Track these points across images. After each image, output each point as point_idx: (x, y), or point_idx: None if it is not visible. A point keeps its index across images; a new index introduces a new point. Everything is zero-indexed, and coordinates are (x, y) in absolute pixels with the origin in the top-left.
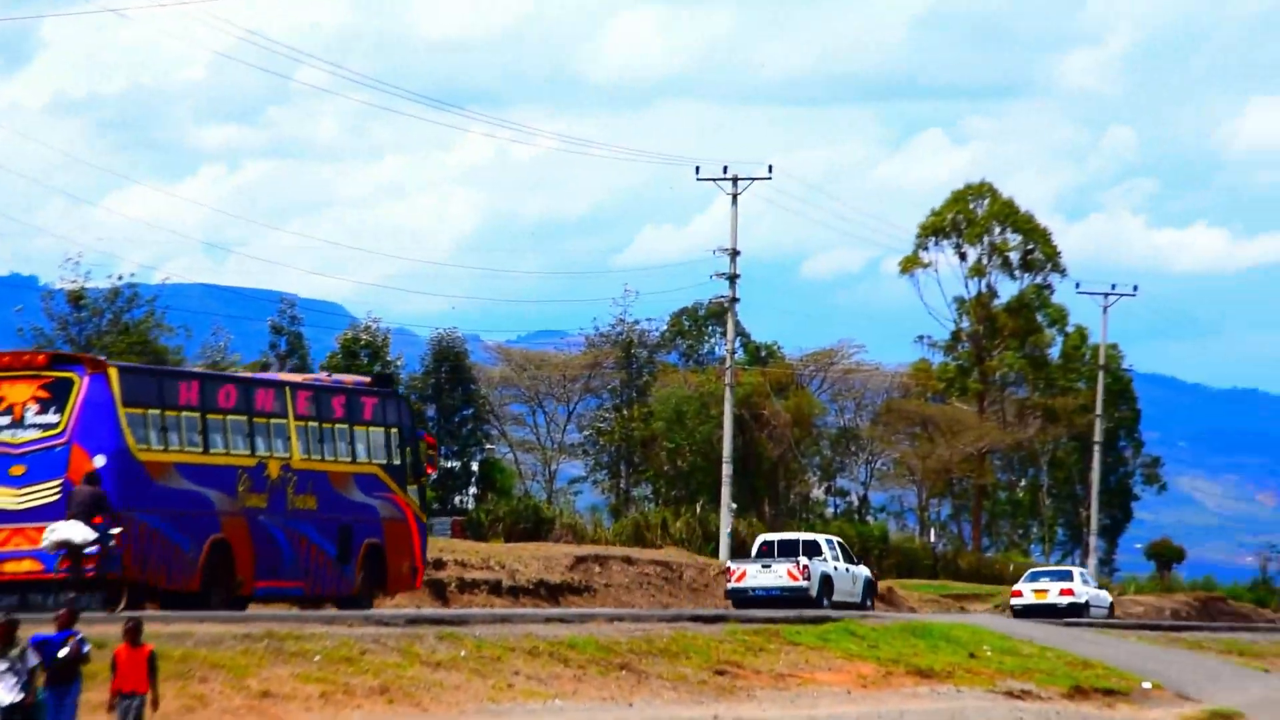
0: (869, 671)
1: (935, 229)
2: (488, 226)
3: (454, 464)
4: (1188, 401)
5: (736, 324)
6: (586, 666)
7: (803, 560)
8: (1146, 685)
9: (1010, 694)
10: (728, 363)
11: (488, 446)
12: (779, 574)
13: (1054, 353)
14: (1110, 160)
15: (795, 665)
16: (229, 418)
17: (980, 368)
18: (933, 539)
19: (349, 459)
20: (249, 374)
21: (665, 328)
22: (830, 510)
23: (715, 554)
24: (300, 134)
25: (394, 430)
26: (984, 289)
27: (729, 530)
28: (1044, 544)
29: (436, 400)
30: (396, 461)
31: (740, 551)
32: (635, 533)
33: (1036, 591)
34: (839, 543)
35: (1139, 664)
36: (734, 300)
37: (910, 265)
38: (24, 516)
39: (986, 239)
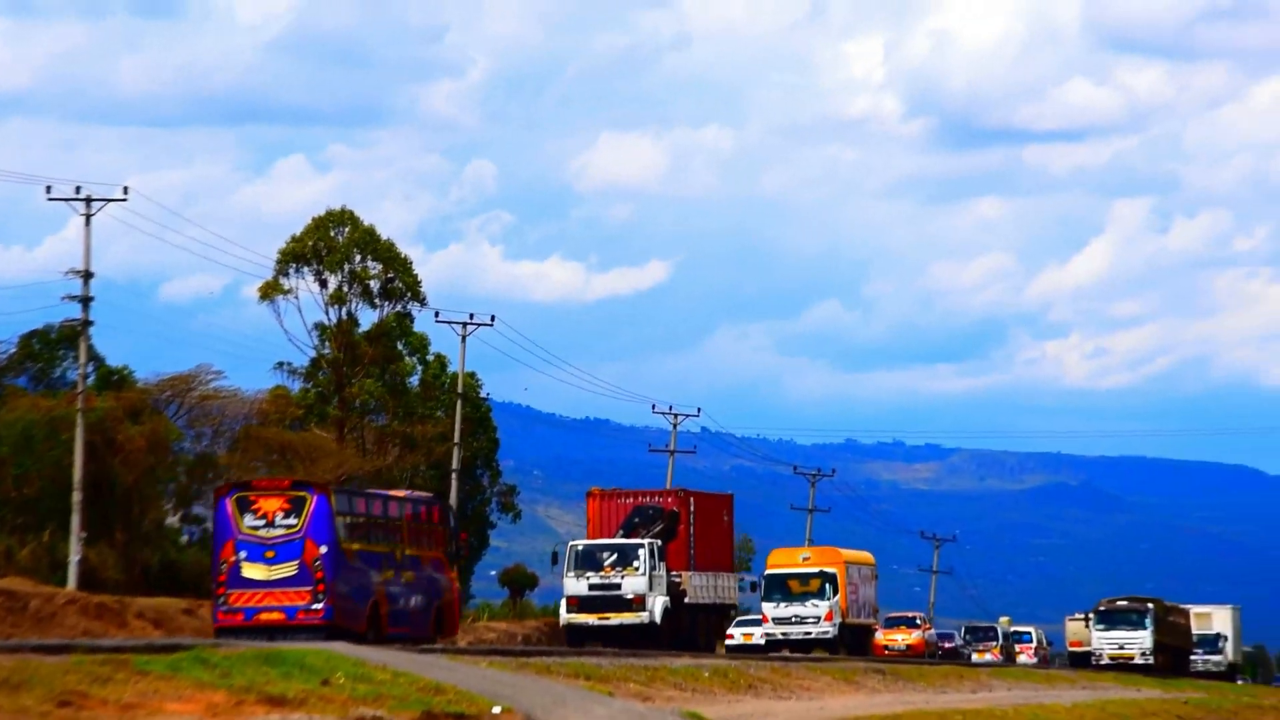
0: (220, 700)
1: (296, 255)
2: None
3: None
4: (543, 431)
5: (90, 348)
6: None
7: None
8: (497, 710)
9: (361, 719)
10: (80, 387)
11: None
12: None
13: (414, 381)
14: (471, 191)
15: (145, 695)
16: (379, 521)
17: (340, 395)
18: None
19: (429, 548)
20: (384, 491)
21: (14, 350)
22: (185, 538)
23: (64, 582)
24: None
25: (448, 529)
26: (345, 316)
27: (78, 558)
28: None
29: None
30: (450, 550)
31: (89, 580)
32: None
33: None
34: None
35: (490, 688)
36: (87, 323)
37: (270, 291)
38: (273, 585)
39: (347, 267)
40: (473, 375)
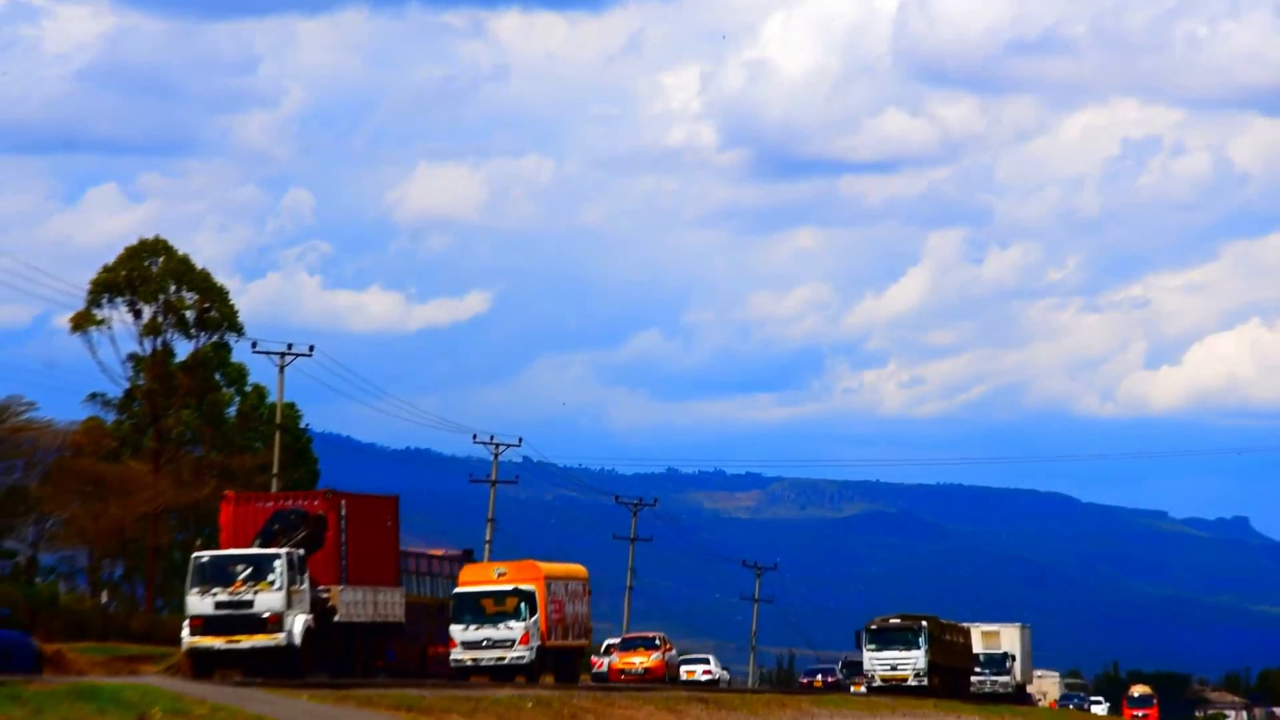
0: None
1: (109, 285)
2: None
3: None
4: (363, 462)
5: None
6: None
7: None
8: None
9: None
10: None
11: None
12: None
13: (232, 411)
14: (288, 221)
15: None
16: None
17: (156, 426)
18: (105, 600)
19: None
20: (424, 550)
21: None
22: None
23: None
24: None
25: None
26: (160, 347)
27: None
28: None
29: None
30: None
31: None
32: None
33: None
34: None
35: None
36: None
37: (83, 322)
38: None
39: (162, 297)
40: (292, 406)
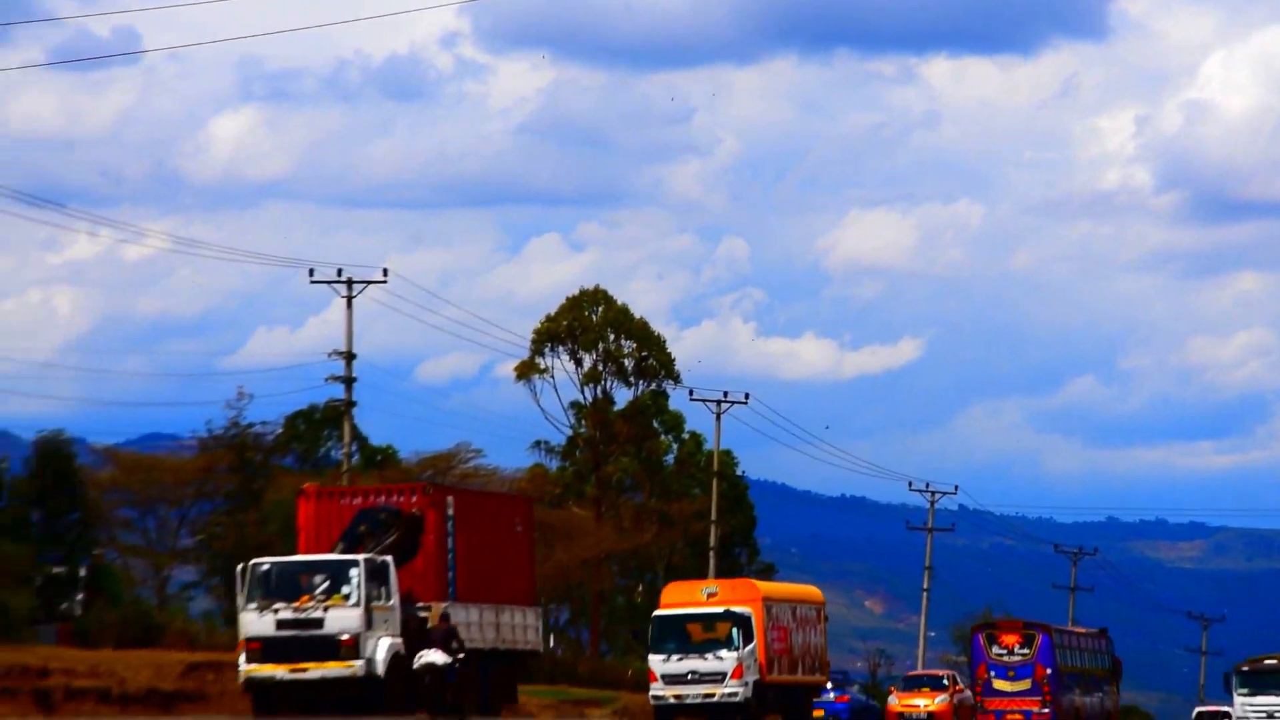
0: None
1: (551, 335)
2: (95, 327)
3: (60, 569)
4: (799, 509)
5: (353, 427)
6: None
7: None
8: None
9: None
10: (345, 466)
11: (95, 551)
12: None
13: (670, 459)
14: (723, 269)
15: None
16: (1073, 649)
17: (597, 473)
18: (552, 644)
19: (1101, 666)
20: (1073, 629)
21: (280, 431)
22: None
23: None
24: None
25: (1111, 652)
26: (600, 395)
27: None
28: None
29: (41, 504)
30: (1111, 668)
31: None
32: None
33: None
34: None
35: None
36: (350, 404)
37: (526, 371)
38: (1015, 695)
39: (602, 346)
40: (728, 453)
